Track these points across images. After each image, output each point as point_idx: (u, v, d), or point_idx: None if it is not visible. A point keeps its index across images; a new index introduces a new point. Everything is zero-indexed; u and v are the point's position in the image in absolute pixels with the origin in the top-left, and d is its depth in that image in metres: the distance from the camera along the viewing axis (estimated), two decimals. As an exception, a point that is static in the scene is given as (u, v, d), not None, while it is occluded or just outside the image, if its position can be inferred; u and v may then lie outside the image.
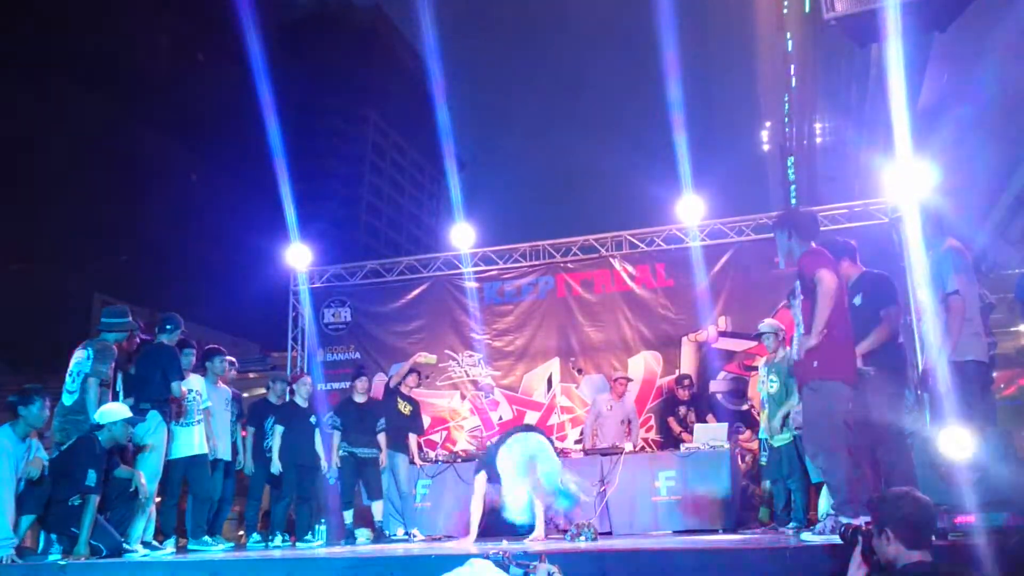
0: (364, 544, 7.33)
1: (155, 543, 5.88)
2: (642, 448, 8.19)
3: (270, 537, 7.51)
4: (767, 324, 6.96)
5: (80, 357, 5.71)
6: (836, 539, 3.72)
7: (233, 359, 7.67)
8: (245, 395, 10.74)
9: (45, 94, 29.18)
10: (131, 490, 5.50)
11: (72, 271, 28.07)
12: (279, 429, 7.48)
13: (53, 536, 5.13)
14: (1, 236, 25.46)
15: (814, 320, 4.19)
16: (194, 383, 6.71)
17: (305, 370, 9.82)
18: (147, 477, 5.69)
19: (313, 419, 7.76)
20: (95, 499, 5.09)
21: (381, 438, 7.80)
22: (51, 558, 4.97)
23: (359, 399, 7.86)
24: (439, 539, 7.55)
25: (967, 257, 4.70)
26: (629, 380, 8.72)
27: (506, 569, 3.00)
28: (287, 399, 7.77)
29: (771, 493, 6.85)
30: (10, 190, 26.48)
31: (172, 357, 6.14)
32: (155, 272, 30.44)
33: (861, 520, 3.62)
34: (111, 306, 6.27)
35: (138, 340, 6.21)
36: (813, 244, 4.50)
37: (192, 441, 6.51)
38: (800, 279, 4.40)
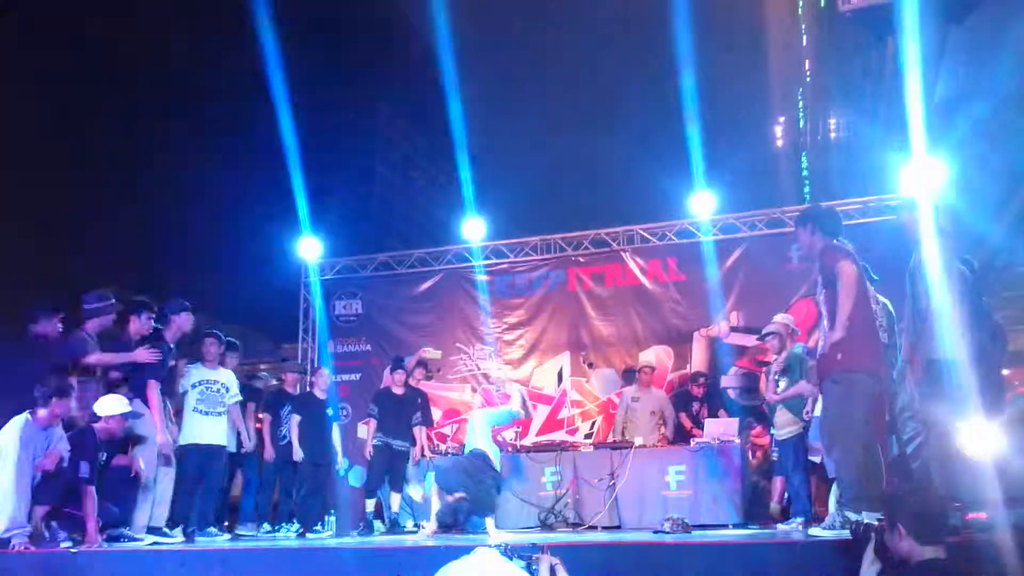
0: (375, 535, 7.35)
1: (165, 530, 5.90)
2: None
3: (276, 527, 7.54)
4: (779, 320, 6.92)
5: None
6: (846, 534, 3.70)
7: (235, 341, 7.36)
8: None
9: (52, 80, 29.29)
10: (131, 476, 5.53)
11: (82, 260, 28.21)
12: (296, 418, 7.50)
13: (54, 523, 5.16)
14: (12, 225, 25.61)
15: (837, 312, 4.18)
16: (221, 376, 6.69)
17: (316, 362, 9.85)
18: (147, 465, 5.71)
19: (330, 411, 7.77)
20: (91, 489, 5.11)
21: (416, 431, 7.85)
22: (63, 545, 5.01)
23: (397, 391, 7.89)
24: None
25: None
26: (653, 369, 8.66)
27: (510, 559, 2.99)
28: (306, 389, 7.78)
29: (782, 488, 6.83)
30: (18, 177, 26.61)
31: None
32: (166, 262, 30.57)
33: (870, 517, 3.59)
34: (88, 292, 5.96)
35: (152, 324, 6.14)
36: (835, 241, 4.49)
37: (214, 431, 6.52)
38: (821, 272, 4.39)
